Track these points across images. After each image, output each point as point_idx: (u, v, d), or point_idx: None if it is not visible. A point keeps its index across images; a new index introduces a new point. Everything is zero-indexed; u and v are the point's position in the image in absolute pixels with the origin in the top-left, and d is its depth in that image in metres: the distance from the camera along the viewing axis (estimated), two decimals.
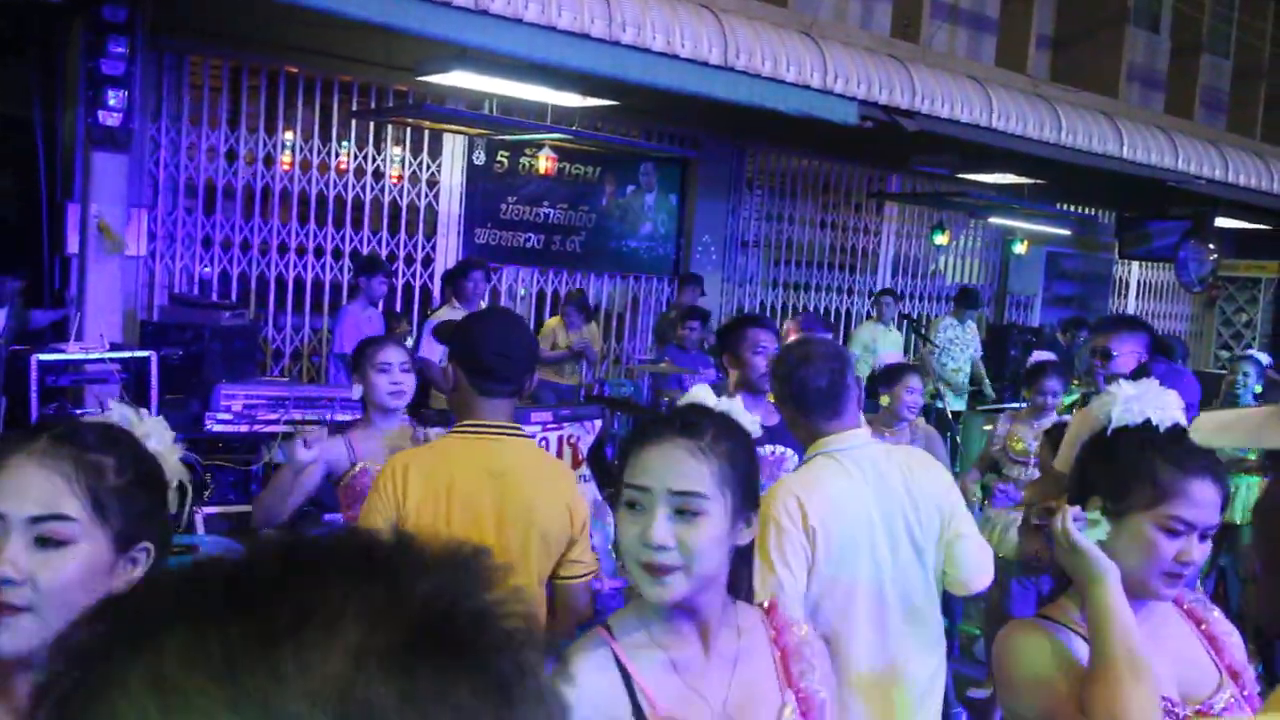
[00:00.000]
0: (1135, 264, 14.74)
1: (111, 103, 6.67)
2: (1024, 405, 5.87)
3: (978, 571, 2.84)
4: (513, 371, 2.64)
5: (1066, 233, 12.93)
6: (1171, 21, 12.99)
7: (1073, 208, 13.23)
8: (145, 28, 6.87)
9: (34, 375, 5.34)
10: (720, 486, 1.59)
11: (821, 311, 11.77)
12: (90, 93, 6.68)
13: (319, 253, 8.53)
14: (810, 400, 2.76)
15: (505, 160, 9.20)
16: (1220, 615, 1.99)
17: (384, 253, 8.78)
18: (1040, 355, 6.16)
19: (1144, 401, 1.91)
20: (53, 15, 6.77)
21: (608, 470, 6.23)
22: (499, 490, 2.58)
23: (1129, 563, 1.82)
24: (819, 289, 11.87)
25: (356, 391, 3.59)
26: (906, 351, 9.95)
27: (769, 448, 3.88)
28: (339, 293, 8.53)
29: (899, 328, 10.05)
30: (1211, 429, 1.13)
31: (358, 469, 3.41)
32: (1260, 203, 11.64)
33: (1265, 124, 13.69)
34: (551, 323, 8.87)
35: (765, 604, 1.73)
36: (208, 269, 8.14)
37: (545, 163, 8.36)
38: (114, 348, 6.00)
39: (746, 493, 1.64)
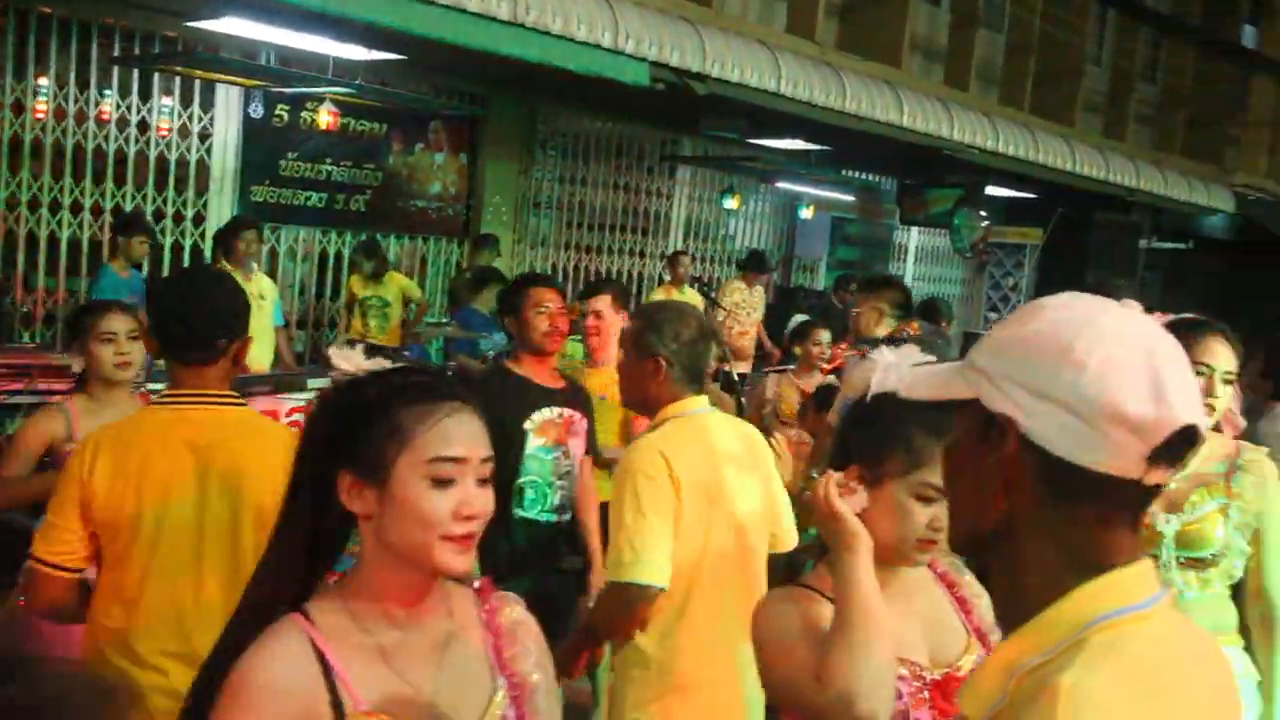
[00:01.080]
0: (915, 229, 15.33)
1: None
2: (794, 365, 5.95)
3: (793, 523, 2.98)
4: (196, 335, 2.43)
5: (850, 198, 13.31)
6: None
7: (857, 174, 13.63)
8: None
9: None
10: None
11: (614, 275, 11.78)
12: None
13: (76, 209, 7.91)
14: (696, 369, 2.84)
15: (285, 114, 8.75)
16: (972, 579, 2.04)
17: (150, 210, 8.22)
18: (799, 318, 6.29)
19: (902, 368, 1.90)
20: None
21: None
22: (200, 464, 2.38)
23: (884, 530, 1.85)
24: (613, 252, 11.85)
25: (77, 364, 3.27)
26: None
27: (556, 410, 3.78)
28: (99, 252, 7.94)
29: (693, 290, 10.13)
30: (908, 384, 1.26)
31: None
32: (1027, 173, 12.26)
33: (1034, 98, 14.40)
34: (351, 279, 8.62)
35: (477, 584, 1.65)
36: None
37: (326, 118, 7.97)
38: None
39: None
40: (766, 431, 5.52)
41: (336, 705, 1.43)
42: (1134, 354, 1.06)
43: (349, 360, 1.64)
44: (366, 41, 6.85)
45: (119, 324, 3.31)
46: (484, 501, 1.51)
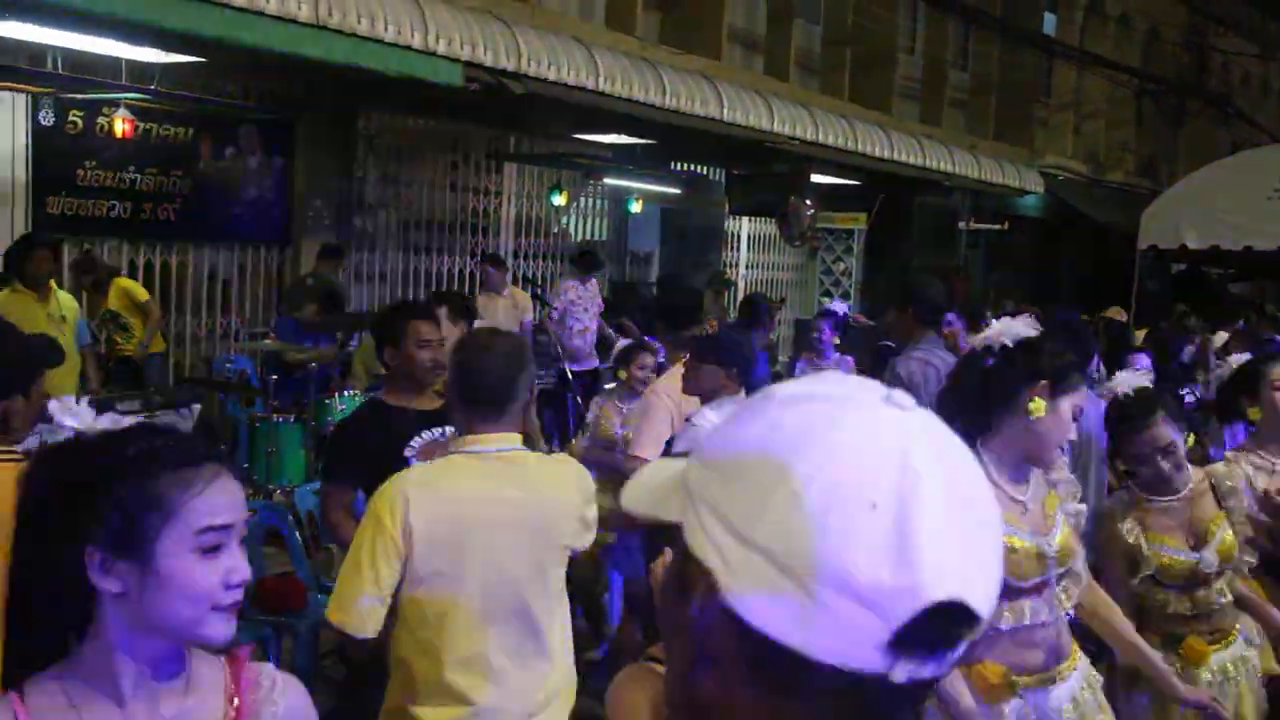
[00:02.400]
0: (745, 219, 15.54)
1: None
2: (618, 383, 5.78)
3: None
4: None
5: (679, 191, 13.39)
6: None
7: (684, 166, 13.71)
8: None
9: None
10: None
11: (449, 274, 11.60)
12: None
13: None
14: (477, 395, 2.70)
15: (79, 120, 8.27)
16: None
17: None
18: (624, 342, 6.19)
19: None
20: None
21: None
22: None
23: None
24: (444, 252, 11.65)
25: None
26: (535, 315, 9.94)
27: (439, 430, 3.69)
28: None
29: (522, 291, 10.04)
30: (628, 492, 0.90)
31: None
32: (849, 161, 12.53)
33: (852, 87, 14.75)
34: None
35: (233, 654, 1.59)
36: None
37: (122, 125, 7.57)
38: None
39: None
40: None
41: None
42: (876, 483, 0.73)
43: (75, 416, 1.52)
44: (160, 44, 6.53)
45: None
46: (246, 565, 1.50)
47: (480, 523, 2.64)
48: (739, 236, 15.85)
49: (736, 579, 0.75)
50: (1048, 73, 19.24)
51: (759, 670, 0.75)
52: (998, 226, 17.35)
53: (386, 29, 6.80)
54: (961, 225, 16.72)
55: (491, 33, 7.66)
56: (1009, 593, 2.68)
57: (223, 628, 1.47)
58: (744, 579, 0.74)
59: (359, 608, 2.57)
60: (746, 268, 15.79)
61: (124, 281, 8.18)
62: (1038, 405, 2.66)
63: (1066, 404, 2.71)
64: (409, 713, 2.66)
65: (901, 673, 0.72)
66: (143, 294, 8.16)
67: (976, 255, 18.81)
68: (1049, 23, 18.75)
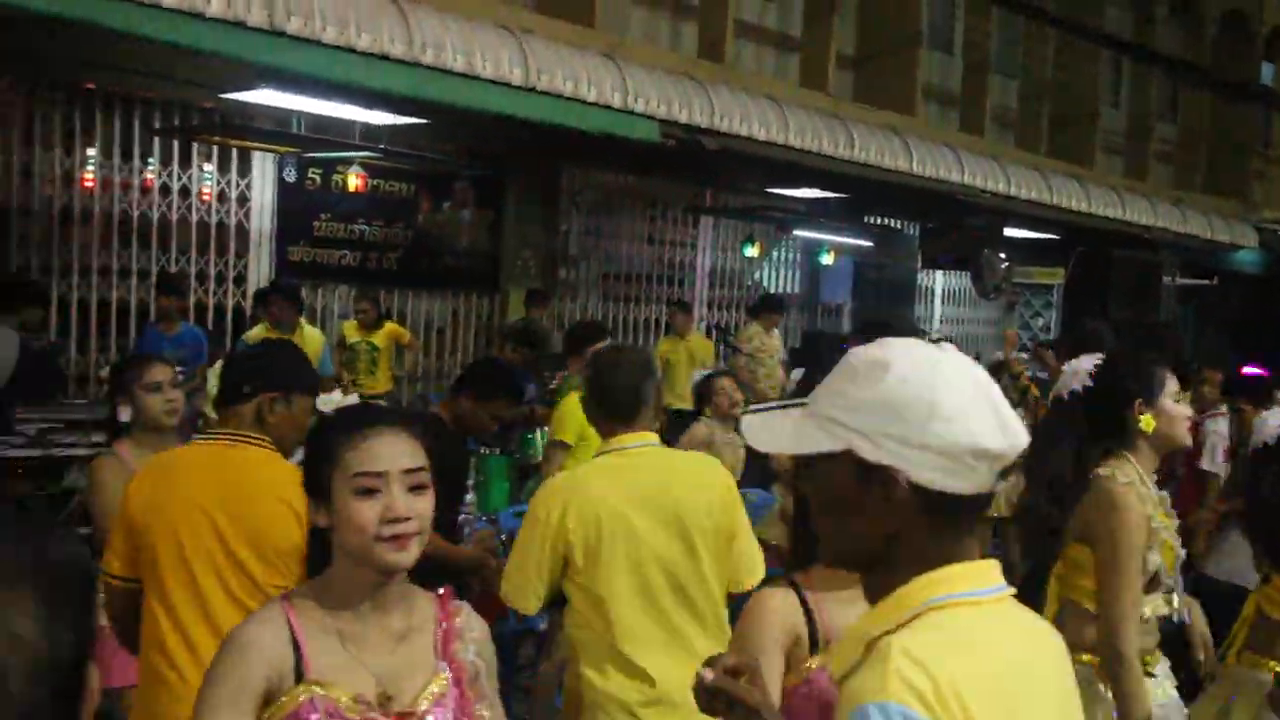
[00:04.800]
0: (939, 272, 15.51)
1: None
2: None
3: (746, 572, 3.10)
4: (226, 384, 2.97)
5: (870, 243, 13.55)
6: (963, 43, 13.80)
7: (877, 220, 13.88)
8: None
9: None
10: (427, 463, 1.87)
11: (646, 323, 12.12)
12: None
13: (124, 274, 8.35)
14: (611, 403, 3.04)
15: (317, 177, 9.20)
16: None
17: (194, 272, 8.67)
18: (701, 372, 6.49)
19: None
20: None
21: None
22: (220, 500, 2.71)
23: None
24: (642, 301, 12.19)
25: (125, 414, 3.52)
26: (717, 361, 10.30)
27: None
28: (148, 314, 8.36)
29: (710, 338, 10.45)
30: (755, 434, 1.45)
31: None
32: (1044, 215, 12.46)
33: (1051, 141, 14.63)
34: (345, 326, 8.94)
35: (441, 592, 1.96)
36: None
37: (355, 180, 8.40)
38: None
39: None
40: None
41: (298, 669, 1.79)
42: (978, 395, 1.30)
43: (326, 405, 2.00)
44: (390, 108, 7.25)
45: (162, 374, 3.59)
46: (411, 505, 1.81)
47: (625, 512, 2.95)
48: (933, 290, 15.85)
49: (919, 470, 1.30)
50: (1266, 123, 18.49)
51: (927, 511, 1.32)
52: (1206, 282, 16.72)
53: (589, 90, 7.36)
54: (1167, 280, 16.19)
55: (686, 92, 8.15)
56: (1162, 588, 2.90)
57: (391, 556, 1.79)
58: (924, 469, 1.30)
59: (523, 589, 2.97)
60: (941, 321, 15.75)
61: (394, 325, 9.12)
62: (1147, 421, 2.91)
63: (1165, 398, 2.93)
64: (586, 685, 2.98)
65: (999, 486, 1.37)
66: (407, 335, 9.13)
67: (1188, 312, 18.13)
68: (1266, 72, 18.07)
